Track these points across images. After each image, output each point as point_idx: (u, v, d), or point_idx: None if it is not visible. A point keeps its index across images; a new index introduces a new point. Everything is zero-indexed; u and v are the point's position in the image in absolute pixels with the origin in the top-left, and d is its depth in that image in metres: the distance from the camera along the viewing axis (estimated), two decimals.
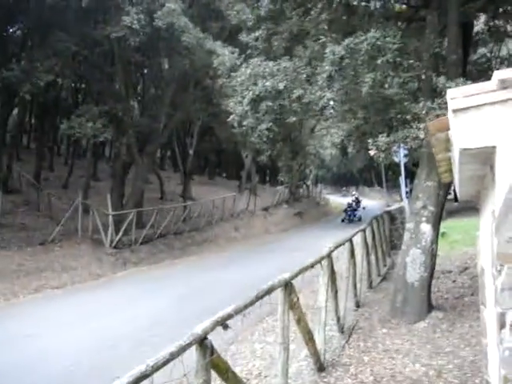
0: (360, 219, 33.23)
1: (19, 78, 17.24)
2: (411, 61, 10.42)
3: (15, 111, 28.28)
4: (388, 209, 23.49)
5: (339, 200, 54.99)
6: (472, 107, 3.56)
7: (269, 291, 5.49)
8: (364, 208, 37.51)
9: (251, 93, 14.46)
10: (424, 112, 9.22)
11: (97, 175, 34.85)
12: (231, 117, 16.89)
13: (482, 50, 15.71)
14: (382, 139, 10.02)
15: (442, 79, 9.46)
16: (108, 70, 22.85)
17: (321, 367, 7.25)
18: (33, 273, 16.24)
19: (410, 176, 20.67)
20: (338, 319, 8.91)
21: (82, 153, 39.68)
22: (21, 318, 11.95)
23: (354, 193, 43.60)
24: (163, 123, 24.70)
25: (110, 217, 20.41)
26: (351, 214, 36.17)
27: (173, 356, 3.55)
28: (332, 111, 14.66)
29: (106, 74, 22.93)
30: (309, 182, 54.78)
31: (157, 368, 3.36)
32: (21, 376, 7.93)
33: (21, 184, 27.67)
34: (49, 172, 33.67)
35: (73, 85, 33.55)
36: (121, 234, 20.85)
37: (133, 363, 3.43)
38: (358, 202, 38.63)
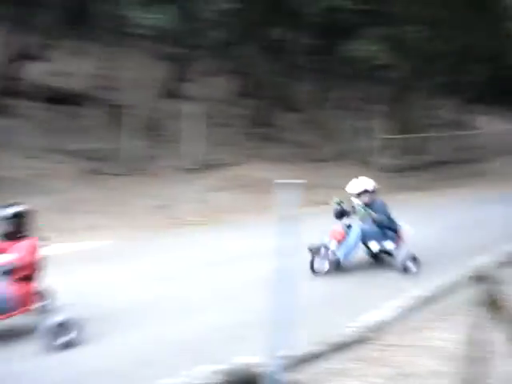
0: None
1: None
2: None
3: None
4: None
5: None
6: None
7: None
8: None
9: None
10: None
11: (372, 98, 35.05)
12: None
13: None
14: None
15: None
16: None
17: None
18: (308, 188, 17.25)
19: None
20: None
21: (359, 75, 40.02)
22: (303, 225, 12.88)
23: None
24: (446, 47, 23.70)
25: (384, 140, 20.56)
26: None
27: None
28: None
29: None
30: None
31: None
32: None
33: (302, 103, 29.25)
34: (327, 92, 34.82)
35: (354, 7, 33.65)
36: (394, 158, 20.96)
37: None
38: None
